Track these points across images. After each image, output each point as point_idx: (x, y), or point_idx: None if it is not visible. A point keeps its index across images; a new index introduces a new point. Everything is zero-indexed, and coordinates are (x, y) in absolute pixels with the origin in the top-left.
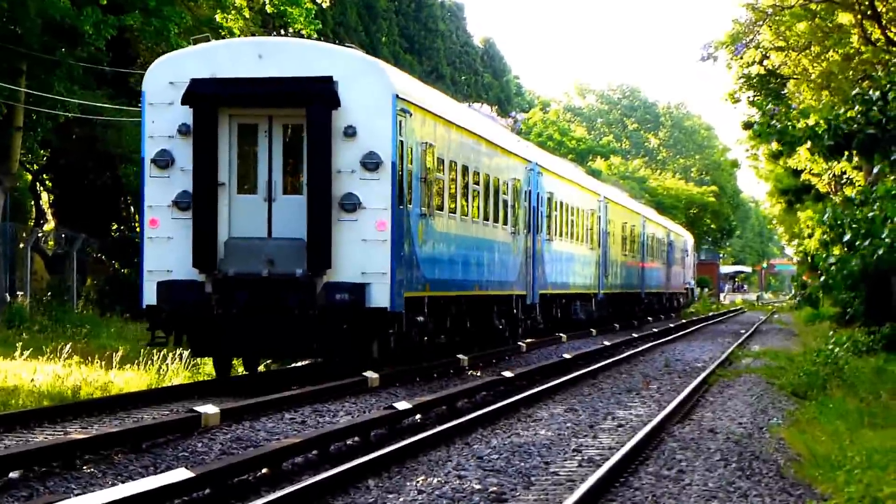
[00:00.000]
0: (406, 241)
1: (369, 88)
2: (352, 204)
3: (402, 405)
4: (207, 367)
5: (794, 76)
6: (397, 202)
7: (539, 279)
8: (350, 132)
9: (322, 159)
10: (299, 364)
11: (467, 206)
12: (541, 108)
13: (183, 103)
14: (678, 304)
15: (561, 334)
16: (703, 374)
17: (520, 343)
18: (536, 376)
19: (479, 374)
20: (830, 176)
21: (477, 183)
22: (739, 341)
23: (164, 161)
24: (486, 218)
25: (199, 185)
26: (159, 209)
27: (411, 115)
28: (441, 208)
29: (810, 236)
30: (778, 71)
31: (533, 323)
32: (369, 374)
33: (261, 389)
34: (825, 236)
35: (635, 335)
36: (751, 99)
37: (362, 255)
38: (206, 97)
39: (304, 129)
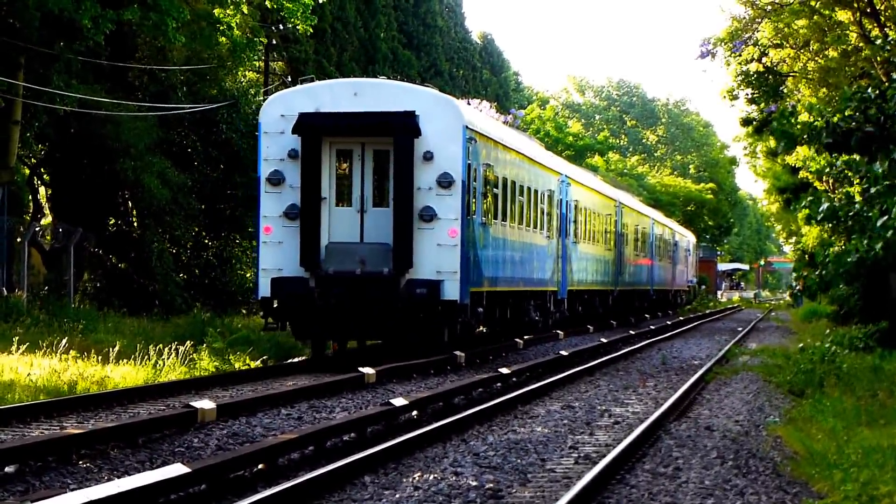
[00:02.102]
0: (471, 246)
1: (444, 120)
2: (429, 215)
3: (398, 401)
4: (204, 362)
5: (793, 73)
6: (465, 213)
7: (567, 277)
8: (428, 156)
9: (406, 178)
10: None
11: (515, 215)
12: (539, 104)
13: (293, 132)
14: (682, 300)
15: (589, 326)
16: (700, 372)
17: (557, 332)
18: (533, 373)
19: (475, 370)
20: (828, 172)
21: (521, 195)
22: (736, 339)
23: (277, 179)
24: (528, 225)
25: (305, 200)
26: (272, 219)
27: (476, 141)
28: (496, 217)
29: (808, 220)
30: (776, 68)
31: (561, 315)
32: (366, 370)
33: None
34: (823, 234)
35: (633, 332)
36: (749, 96)
37: (437, 257)
38: (312, 128)
39: (390, 153)
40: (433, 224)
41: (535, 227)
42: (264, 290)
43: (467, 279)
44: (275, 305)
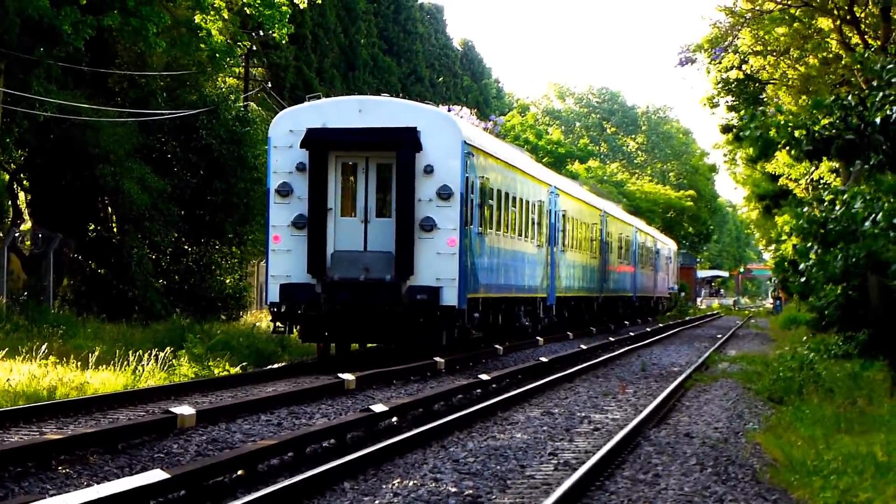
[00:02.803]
0: (468, 254)
1: (444, 136)
2: (429, 225)
3: (378, 408)
4: (183, 368)
5: (773, 80)
6: (463, 223)
7: (555, 284)
8: (429, 170)
9: (407, 191)
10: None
11: (508, 225)
12: (519, 111)
13: (301, 147)
14: (663, 306)
15: (569, 333)
16: (680, 379)
17: (537, 338)
18: (513, 379)
19: (455, 376)
20: (808, 181)
21: (514, 206)
22: (716, 346)
23: (285, 191)
24: (520, 234)
25: (312, 210)
26: (281, 228)
27: (473, 155)
28: (491, 227)
29: (789, 235)
30: (756, 75)
31: (550, 320)
32: (346, 376)
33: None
34: (802, 243)
35: (612, 339)
36: (729, 103)
37: (437, 264)
38: (319, 142)
39: (393, 167)
40: (433, 234)
41: (527, 236)
42: (273, 295)
43: (465, 286)
44: (283, 310)
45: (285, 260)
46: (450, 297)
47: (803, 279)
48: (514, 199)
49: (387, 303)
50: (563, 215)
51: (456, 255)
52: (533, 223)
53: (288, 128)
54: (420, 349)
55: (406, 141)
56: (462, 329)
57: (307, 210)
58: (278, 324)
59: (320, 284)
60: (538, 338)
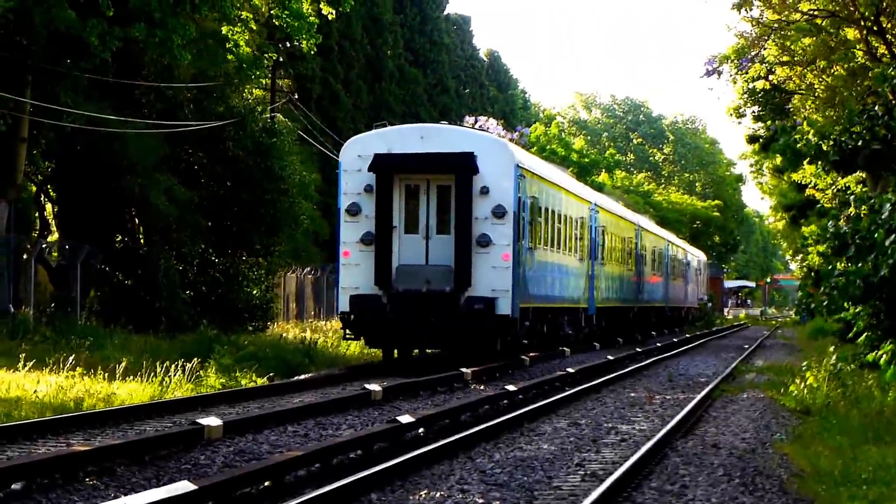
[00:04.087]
0: (520, 268)
1: (498, 160)
2: (485, 241)
3: (404, 419)
4: (210, 379)
5: (799, 91)
6: (516, 239)
7: (595, 295)
8: (485, 191)
9: (465, 209)
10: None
11: (554, 240)
12: (545, 121)
13: (369, 170)
14: (693, 316)
15: (595, 343)
16: (707, 389)
17: (564, 349)
18: (539, 390)
19: (482, 387)
20: (834, 191)
21: (560, 222)
22: (743, 356)
23: (355, 210)
24: (564, 249)
25: (379, 228)
26: (350, 244)
27: (525, 178)
28: (539, 242)
29: (817, 242)
30: (783, 86)
31: (590, 329)
32: (373, 386)
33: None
34: (828, 250)
35: (639, 349)
36: (755, 114)
37: (492, 277)
38: (385, 166)
39: (452, 188)
40: (489, 249)
41: (570, 250)
42: (343, 305)
43: (517, 296)
44: (352, 319)
45: (354, 273)
46: (504, 307)
47: (825, 300)
48: (560, 216)
49: (447, 312)
50: (603, 230)
51: (509, 269)
52: (576, 238)
53: (356, 153)
54: (478, 355)
55: (464, 165)
56: (514, 336)
57: (374, 228)
58: (348, 331)
59: (386, 295)
60: (565, 348)
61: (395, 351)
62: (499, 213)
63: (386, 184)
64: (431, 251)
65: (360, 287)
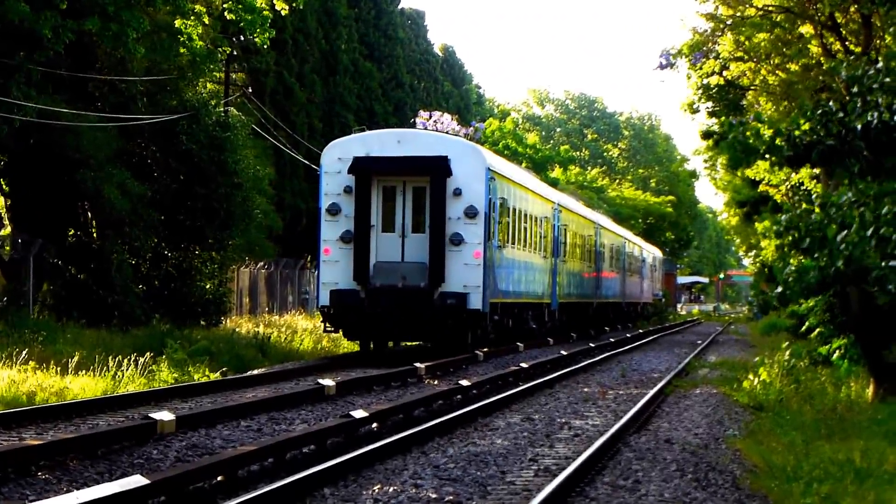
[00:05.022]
0: (490, 265)
1: (471, 163)
2: (458, 240)
3: (358, 413)
4: (163, 374)
5: (754, 86)
6: (486, 238)
7: (557, 291)
8: (457, 192)
9: (439, 210)
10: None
11: (521, 239)
12: (500, 117)
13: (348, 172)
14: (650, 312)
15: (549, 339)
16: (660, 385)
17: (518, 344)
18: (493, 385)
19: (436, 382)
20: (787, 187)
21: (526, 222)
22: (696, 352)
23: (335, 210)
24: (530, 247)
25: (358, 227)
26: (330, 242)
27: (495, 180)
28: (508, 241)
29: (773, 237)
30: (737, 81)
31: (553, 324)
32: (326, 381)
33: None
34: (784, 241)
35: (592, 345)
36: (709, 109)
37: (464, 273)
38: (364, 169)
39: (427, 190)
40: (461, 247)
41: (536, 248)
42: (324, 299)
43: (487, 292)
44: (332, 312)
45: (334, 269)
46: (475, 302)
47: (779, 289)
48: (526, 215)
49: (421, 306)
50: (565, 229)
51: (481, 266)
52: (541, 237)
53: (337, 156)
54: (450, 346)
55: (438, 168)
56: (484, 330)
57: (353, 227)
58: (327, 324)
59: (364, 290)
60: (518, 343)
61: (372, 343)
62: (471, 213)
63: (365, 185)
64: (407, 249)
65: (339, 283)
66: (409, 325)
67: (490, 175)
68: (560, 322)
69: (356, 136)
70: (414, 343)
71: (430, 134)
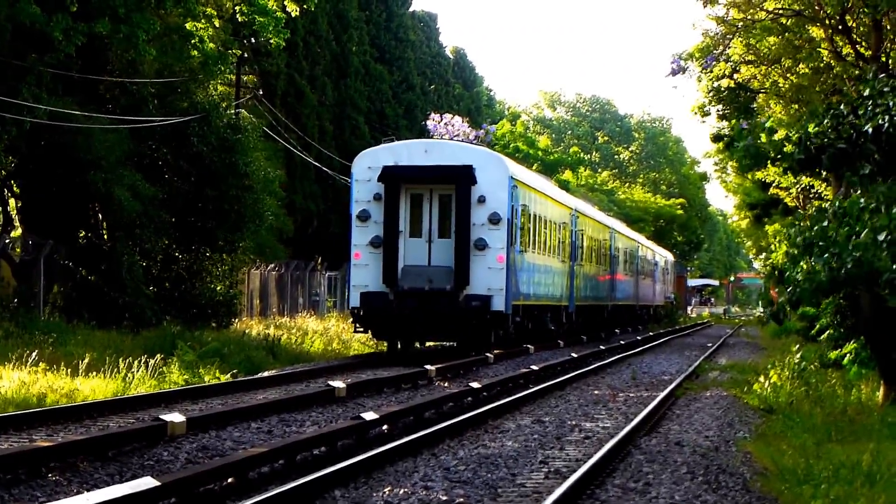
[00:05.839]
0: (512, 269)
1: (494, 172)
2: (482, 245)
3: (368, 415)
4: (174, 376)
5: (764, 90)
6: (509, 243)
7: (574, 294)
8: (482, 200)
9: (464, 216)
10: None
11: (541, 244)
12: (510, 119)
13: (378, 180)
14: (662, 314)
15: (560, 341)
16: (670, 387)
17: (528, 346)
18: (503, 387)
19: (446, 384)
20: (798, 190)
21: (546, 228)
22: (706, 354)
23: (365, 216)
24: (549, 252)
25: (387, 232)
26: (361, 247)
27: (517, 187)
28: (529, 246)
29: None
30: (748, 84)
31: (570, 325)
32: (337, 384)
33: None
34: (793, 249)
35: (603, 347)
36: (720, 112)
37: (488, 277)
38: (393, 177)
39: (452, 197)
40: (485, 252)
41: (554, 253)
42: (354, 301)
43: (510, 295)
44: (361, 314)
45: (364, 273)
46: (498, 304)
47: (789, 288)
48: (546, 221)
49: (447, 308)
50: (582, 234)
51: (503, 270)
52: (559, 241)
53: (367, 165)
54: (474, 346)
55: (463, 176)
56: (506, 330)
57: (382, 232)
58: (358, 324)
59: (392, 293)
60: (529, 346)
61: (399, 343)
62: (494, 219)
63: (393, 192)
64: (433, 253)
65: (369, 285)
66: (436, 326)
67: (513, 183)
68: (577, 324)
69: (385, 146)
70: (439, 343)
71: (455, 144)
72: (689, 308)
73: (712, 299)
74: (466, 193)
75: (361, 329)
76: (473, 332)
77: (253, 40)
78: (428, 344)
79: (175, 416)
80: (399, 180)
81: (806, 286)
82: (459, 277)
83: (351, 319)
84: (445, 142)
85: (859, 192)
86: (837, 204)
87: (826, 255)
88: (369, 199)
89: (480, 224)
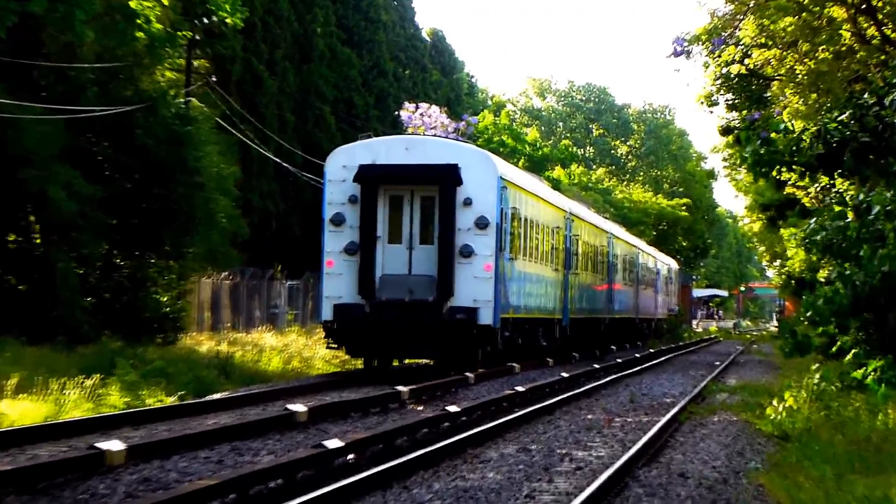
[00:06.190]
0: (501, 278)
1: (482, 172)
2: (468, 252)
3: (332, 443)
4: (113, 398)
5: (779, 77)
6: (498, 250)
7: (569, 306)
8: (468, 202)
9: (448, 221)
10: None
11: (532, 251)
12: (494, 109)
13: (354, 181)
14: (665, 328)
15: (549, 359)
16: (673, 411)
17: (513, 365)
18: (485, 411)
19: (421, 408)
20: (818, 189)
21: (538, 233)
22: (714, 374)
23: (339, 220)
24: (541, 260)
25: (363, 238)
26: (334, 254)
27: (507, 189)
28: (520, 253)
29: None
30: (760, 70)
31: (564, 341)
32: (296, 407)
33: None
34: (812, 255)
35: (597, 366)
36: (730, 101)
37: (474, 287)
38: (370, 177)
39: (435, 199)
40: (471, 259)
41: (547, 260)
42: (327, 314)
43: (498, 307)
44: (335, 327)
45: (337, 282)
46: (486, 317)
47: (808, 313)
48: (538, 226)
49: (429, 321)
50: (577, 239)
51: (491, 279)
52: (552, 248)
53: (341, 163)
54: (458, 364)
55: (448, 176)
56: (494, 347)
57: (358, 238)
58: (330, 340)
59: (369, 304)
60: (514, 364)
61: (376, 361)
62: (481, 224)
63: (370, 194)
64: (414, 261)
65: (343, 296)
66: (416, 341)
67: (502, 184)
68: (571, 339)
69: (362, 142)
70: (413, 361)
71: (439, 141)
72: (694, 321)
73: (720, 312)
74: (451, 195)
75: (334, 345)
76: (458, 348)
77: (206, 20)
78: (406, 361)
79: (113, 444)
80: (377, 181)
81: (826, 310)
82: (443, 288)
83: (323, 335)
84: (428, 138)
85: (884, 189)
86: (861, 197)
87: (849, 266)
88: (344, 201)
89: (466, 229)
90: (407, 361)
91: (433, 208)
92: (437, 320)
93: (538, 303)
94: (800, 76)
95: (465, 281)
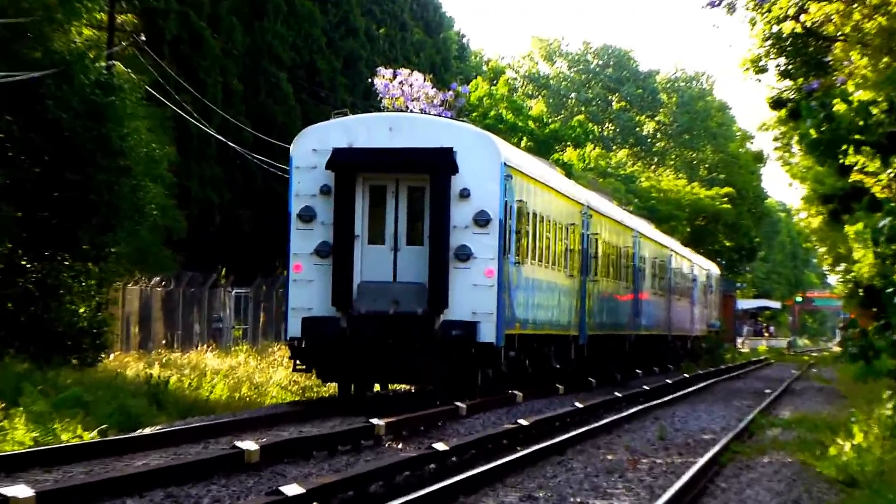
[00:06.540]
0: (506, 286)
1: (482, 157)
2: (465, 254)
3: (291, 489)
4: (18, 433)
5: (843, 36)
6: (501, 252)
7: (587, 320)
8: (465, 194)
9: (441, 216)
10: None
11: (543, 252)
12: (490, 76)
13: (326, 168)
14: (703, 348)
15: (559, 385)
16: (713, 451)
17: (514, 392)
18: (480, 450)
19: (400, 445)
20: (891, 176)
21: (549, 231)
22: (763, 405)
23: (308, 216)
24: (553, 263)
25: (338, 237)
26: (303, 256)
27: (512, 178)
28: (527, 256)
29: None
30: (819, 30)
31: (581, 362)
32: (247, 445)
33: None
34: (884, 259)
35: (619, 394)
36: (781, 68)
37: (473, 297)
38: (345, 164)
39: (426, 190)
40: (469, 263)
41: (560, 265)
42: (294, 330)
43: (502, 321)
44: (303, 346)
45: (307, 291)
46: (487, 334)
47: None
48: (550, 222)
49: (418, 339)
50: (596, 239)
51: (494, 288)
52: (566, 250)
53: (311, 147)
54: (453, 392)
55: (441, 163)
56: (497, 369)
57: (332, 237)
58: (297, 362)
59: (345, 318)
60: (515, 392)
61: (353, 387)
62: (482, 220)
63: (346, 185)
64: (400, 266)
65: (313, 308)
66: (403, 363)
67: (506, 172)
68: (589, 361)
69: (336, 121)
70: (400, 387)
71: (430, 119)
72: (739, 339)
73: (771, 328)
74: (445, 185)
75: (302, 367)
76: (453, 371)
77: None
78: (387, 387)
79: (20, 490)
80: (354, 168)
81: (881, 343)
82: (435, 298)
83: (282, 356)
84: (417, 116)
85: None
86: None
87: None
88: (314, 192)
89: (463, 227)
90: (387, 387)
91: (423, 201)
92: (427, 338)
93: (549, 316)
94: (868, 35)
95: (461, 290)
